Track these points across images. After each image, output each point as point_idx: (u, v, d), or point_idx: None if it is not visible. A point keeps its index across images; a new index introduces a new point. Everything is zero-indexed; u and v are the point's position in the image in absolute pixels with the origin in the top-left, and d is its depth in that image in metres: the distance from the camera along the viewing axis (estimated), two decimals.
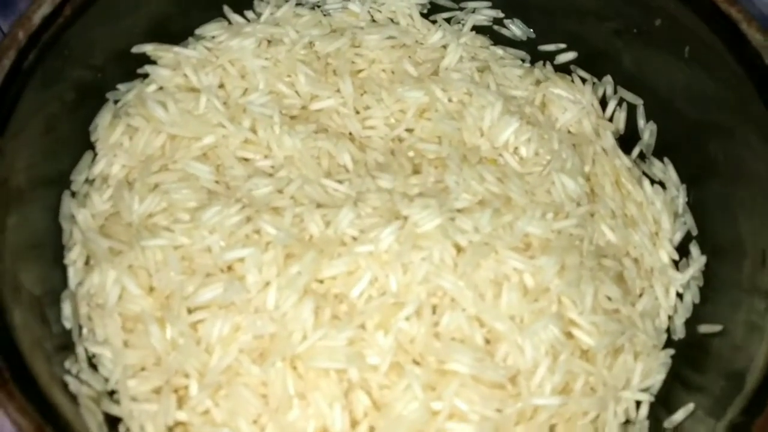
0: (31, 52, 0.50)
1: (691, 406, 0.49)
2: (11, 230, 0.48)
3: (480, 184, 0.56)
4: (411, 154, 0.60)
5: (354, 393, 0.50)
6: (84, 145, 0.57)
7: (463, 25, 0.66)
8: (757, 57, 0.49)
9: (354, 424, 0.49)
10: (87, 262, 0.54)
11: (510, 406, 0.50)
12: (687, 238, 0.57)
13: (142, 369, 0.51)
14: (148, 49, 0.59)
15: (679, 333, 0.55)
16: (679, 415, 0.49)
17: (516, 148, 0.59)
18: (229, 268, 0.53)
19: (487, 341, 0.52)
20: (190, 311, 0.51)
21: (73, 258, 0.54)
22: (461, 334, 0.51)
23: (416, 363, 0.51)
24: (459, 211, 0.54)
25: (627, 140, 0.62)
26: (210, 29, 0.62)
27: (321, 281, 0.53)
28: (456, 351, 0.50)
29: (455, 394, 0.49)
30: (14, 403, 0.37)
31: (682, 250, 0.57)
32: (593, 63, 0.63)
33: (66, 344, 0.51)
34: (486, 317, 0.51)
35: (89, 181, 0.57)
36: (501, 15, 0.65)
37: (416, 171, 0.58)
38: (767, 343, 0.45)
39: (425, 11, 0.66)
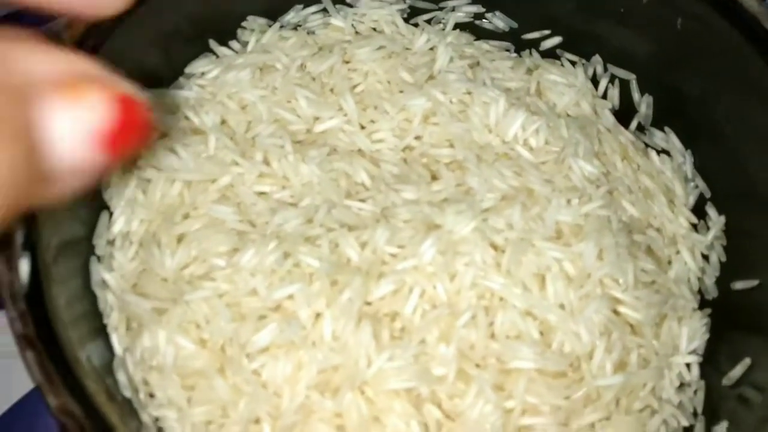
0: None
1: (748, 361, 0.52)
2: (59, 303, 0.47)
3: (502, 181, 0.57)
4: (425, 161, 0.60)
5: (425, 407, 0.51)
6: (99, 204, 0.55)
7: (445, 24, 0.66)
8: (755, 22, 0.51)
9: None
10: (128, 327, 0.53)
11: (576, 391, 0.51)
12: (701, 201, 0.60)
13: (209, 423, 0.51)
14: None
15: (712, 293, 0.58)
16: (737, 371, 0.52)
17: (526, 140, 0.60)
18: (278, 306, 0.52)
19: (541, 333, 0.53)
20: (249, 357, 0.51)
21: (114, 324, 0.53)
22: (516, 331, 0.52)
23: (479, 367, 0.52)
24: (487, 210, 0.55)
25: (623, 115, 0.64)
26: (199, 66, 0.61)
27: (369, 303, 0.53)
28: (516, 349, 0.51)
29: (525, 390, 0.50)
30: None
31: (700, 212, 0.60)
32: (579, 45, 0.64)
33: (130, 412, 0.49)
34: (537, 311, 0.52)
35: (110, 242, 0.55)
36: (482, 10, 0.66)
37: (434, 177, 0.59)
38: None
39: (405, 16, 0.66)
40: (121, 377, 0.50)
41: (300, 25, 0.65)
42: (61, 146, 0.24)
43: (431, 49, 0.64)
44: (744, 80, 0.54)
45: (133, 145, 0.26)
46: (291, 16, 0.65)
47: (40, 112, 0.23)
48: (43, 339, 0.41)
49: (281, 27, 0.64)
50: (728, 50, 0.54)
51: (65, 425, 0.38)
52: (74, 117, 0.24)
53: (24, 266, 0.44)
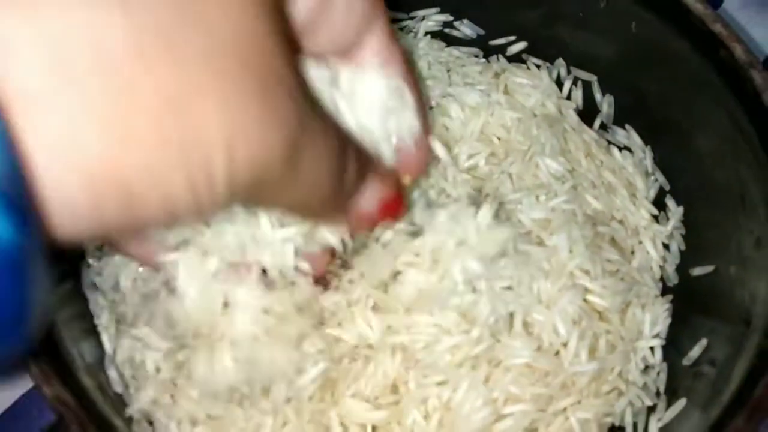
0: None
1: (704, 342, 0.55)
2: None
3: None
4: None
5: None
6: None
7: (416, 33, 0.69)
8: (702, 24, 0.55)
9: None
10: (117, 327, 0.55)
11: (554, 379, 0.54)
12: (661, 194, 0.63)
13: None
14: None
15: (673, 279, 0.61)
16: (695, 352, 0.55)
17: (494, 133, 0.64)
18: None
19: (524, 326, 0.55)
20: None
21: (104, 324, 0.55)
22: (507, 329, 0.55)
23: (474, 369, 0.54)
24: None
25: (586, 114, 0.67)
26: None
27: None
28: (509, 346, 0.54)
29: (510, 382, 0.53)
30: None
31: (660, 205, 0.63)
32: (543, 49, 0.68)
33: (121, 406, 0.52)
34: (526, 311, 0.55)
35: (99, 248, 0.58)
36: (450, 18, 0.69)
37: None
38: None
39: None
40: (111, 373, 0.53)
41: None
42: (363, 199, 0.39)
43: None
44: (695, 79, 0.57)
45: (393, 217, 0.43)
46: None
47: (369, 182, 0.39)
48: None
49: None
50: (678, 51, 0.57)
51: (62, 415, 0.40)
52: (377, 190, 0.40)
53: None
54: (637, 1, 0.58)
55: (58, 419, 0.42)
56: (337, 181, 0.35)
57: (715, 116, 0.57)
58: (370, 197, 0.39)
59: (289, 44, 0.31)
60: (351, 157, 0.36)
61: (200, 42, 0.26)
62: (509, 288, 0.55)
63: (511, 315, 0.54)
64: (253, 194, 0.30)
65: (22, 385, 0.62)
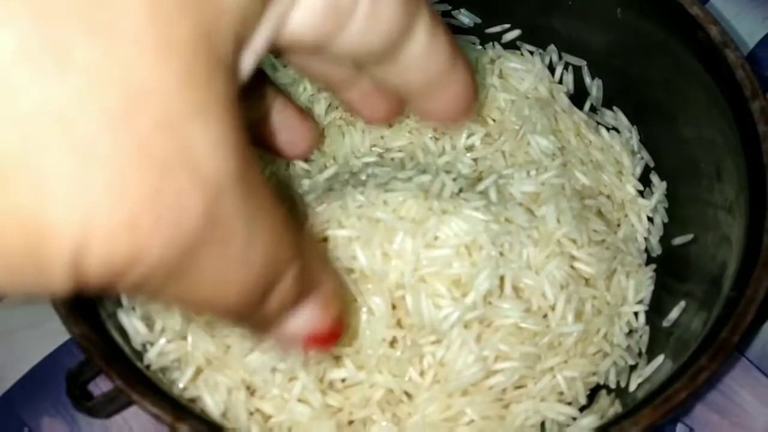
0: None
1: (683, 304, 0.58)
2: None
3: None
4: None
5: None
6: None
7: None
8: (679, 7, 0.59)
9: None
10: None
11: (542, 339, 0.58)
12: (647, 171, 0.67)
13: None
14: None
15: (657, 250, 0.65)
16: (674, 314, 0.59)
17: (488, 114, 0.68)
18: None
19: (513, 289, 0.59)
20: None
21: None
22: (498, 292, 0.58)
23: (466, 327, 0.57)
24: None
25: (577, 97, 0.71)
26: None
27: None
28: (499, 307, 0.57)
29: (500, 340, 0.57)
30: (149, 399, 0.43)
31: (645, 181, 0.67)
32: (536, 37, 0.72)
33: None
34: (515, 275, 0.58)
35: None
36: (448, 7, 0.73)
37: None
38: (736, 243, 0.54)
39: None
40: (129, 325, 0.56)
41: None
42: (293, 321, 0.33)
43: None
44: (676, 61, 0.61)
45: (322, 348, 0.35)
46: None
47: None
48: None
49: None
50: (660, 35, 0.61)
51: (89, 354, 0.44)
52: (313, 318, 0.33)
53: None
54: None
55: (84, 360, 0.46)
56: (257, 295, 0.28)
57: (694, 96, 0.61)
58: (302, 323, 0.33)
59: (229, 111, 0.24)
60: (289, 274, 0.29)
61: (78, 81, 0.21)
62: (501, 254, 0.58)
63: (501, 279, 0.58)
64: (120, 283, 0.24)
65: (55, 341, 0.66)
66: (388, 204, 0.58)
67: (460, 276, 0.57)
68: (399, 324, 0.58)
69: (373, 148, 0.69)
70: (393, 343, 0.58)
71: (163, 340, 0.55)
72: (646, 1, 0.61)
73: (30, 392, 0.64)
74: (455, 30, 0.74)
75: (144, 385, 0.45)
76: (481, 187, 0.62)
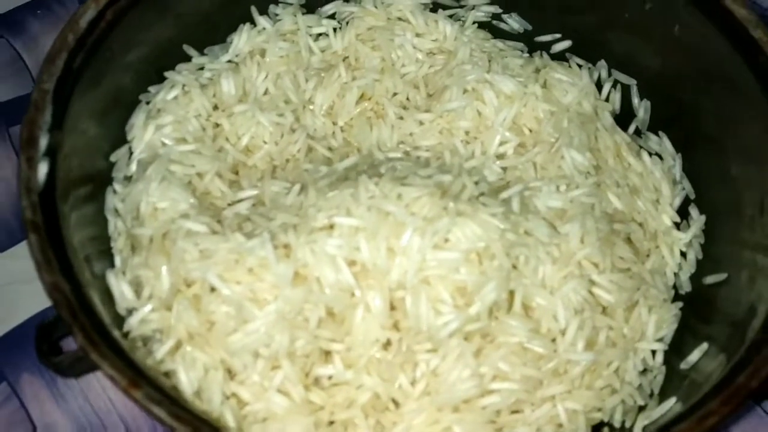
0: (79, 54, 0.53)
1: (705, 346, 0.54)
2: (71, 216, 0.51)
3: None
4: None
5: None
6: (120, 143, 0.61)
7: (464, 21, 0.71)
8: (743, 29, 0.54)
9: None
10: (132, 250, 0.57)
11: (547, 363, 0.54)
12: (686, 202, 0.63)
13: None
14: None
15: (686, 287, 0.60)
16: (694, 356, 0.54)
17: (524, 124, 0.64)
18: None
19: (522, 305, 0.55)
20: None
21: (119, 247, 0.57)
22: (506, 307, 0.55)
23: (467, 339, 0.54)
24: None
25: (623, 118, 0.67)
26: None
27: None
28: (506, 323, 0.54)
29: (501, 359, 0.53)
30: (107, 360, 0.41)
31: (683, 213, 0.62)
32: (587, 50, 0.68)
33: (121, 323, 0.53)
34: (527, 292, 0.55)
35: (127, 178, 0.60)
36: (499, 10, 0.70)
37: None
38: None
39: (428, 10, 0.71)
40: (117, 290, 0.54)
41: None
42: None
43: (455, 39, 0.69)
44: (732, 86, 0.57)
45: None
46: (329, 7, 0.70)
47: None
48: (48, 228, 0.45)
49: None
50: (719, 58, 0.57)
51: (56, 301, 0.42)
52: None
53: (43, 168, 0.49)
54: (680, 3, 0.58)
55: (58, 315, 0.44)
56: None
57: (746, 124, 0.57)
58: None
59: None
60: None
61: None
62: (514, 267, 0.55)
63: (512, 293, 0.55)
64: None
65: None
66: (401, 198, 0.55)
67: (467, 283, 0.53)
68: (396, 326, 0.54)
69: (400, 145, 0.66)
70: (387, 345, 0.54)
71: (148, 307, 0.53)
72: (706, 20, 0.57)
73: (14, 347, 0.62)
74: (504, 35, 0.71)
75: (107, 346, 0.42)
76: (504, 195, 0.58)
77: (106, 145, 0.59)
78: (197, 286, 0.53)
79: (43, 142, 0.49)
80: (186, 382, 0.51)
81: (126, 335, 0.51)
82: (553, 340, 0.55)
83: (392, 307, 0.54)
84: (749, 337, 0.46)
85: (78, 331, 0.41)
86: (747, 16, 0.54)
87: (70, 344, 0.54)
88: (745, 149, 0.58)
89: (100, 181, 0.59)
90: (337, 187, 0.56)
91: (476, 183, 0.58)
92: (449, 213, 0.54)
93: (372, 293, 0.53)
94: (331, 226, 0.54)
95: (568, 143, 0.62)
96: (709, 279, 0.58)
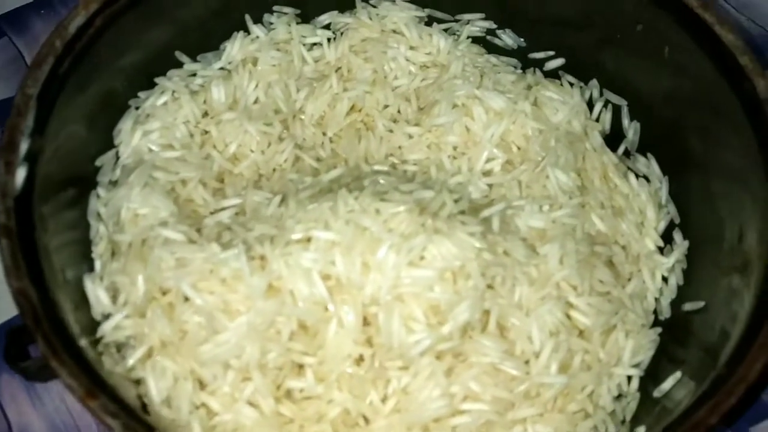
0: (66, 59, 0.54)
1: (678, 374, 0.53)
2: (49, 218, 0.52)
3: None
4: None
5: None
6: (107, 147, 0.61)
7: (459, 35, 0.70)
8: (730, 55, 0.54)
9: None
10: (112, 255, 0.58)
11: (519, 385, 0.53)
12: (671, 226, 0.62)
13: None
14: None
15: (666, 313, 0.59)
16: (667, 384, 0.53)
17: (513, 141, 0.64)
18: None
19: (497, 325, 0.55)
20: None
21: (100, 252, 0.58)
22: (480, 326, 0.54)
23: (438, 359, 0.53)
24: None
25: (613, 138, 0.67)
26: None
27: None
28: (479, 343, 0.53)
29: (472, 378, 0.53)
30: (66, 369, 0.41)
31: (667, 237, 0.62)
32: (580, 68, 0.68)
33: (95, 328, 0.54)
34: (503, 312, 0.54)
35: (112, 182, 0.61)
36: (494, 26, 0.70)
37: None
38: (744, 316, 0.49)
39: (423, 24, 0.71)
40: (93, 295, 0.54)
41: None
42: None
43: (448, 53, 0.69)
44: (719, 114, 0.57)
45: None
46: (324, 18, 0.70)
47: None
48: (20, 233, 0.46)
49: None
50: (707, 83, 0.57)
51: (21, 307, 0.43)
52: None
53: (21, 173, 0.49)
54: (671, 26, 0.58)
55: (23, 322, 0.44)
56: None
57: (731, 150, 0.56)
58: None
59: None
60: None
61: None
62: (490, 287, 0.54)
63: (487, 313, 0.54)
64: None
65: None
66: (380, 213, 0.55)
67: (440, 302, 0.53)
68: (369, 342, 0.54)
69: (389, 157, 0.66)
70: (359, 360, 0.54)
71: (122, 314, 0.53)
72: (695, 44, 0.56)
73: None
74: (497, 51, 0.70)
75: (69, 354, 0.42)
76: (485, 213, 0.58)
77: (93, 148, 0.60)
78: (172, 295, 0.53)
79: (24, 146, 0.50)
80: (154, 390, 0.51)
81: (97, 342, 0.52)
82: (527, 362, 0.54)
83: (366, 323, 0.54)
84: (718, 367, 0.46)
85: (40, 338, 0.42)
86: (734, 42, 0.54)
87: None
88: (728, 176, 0.57)
89: (86, 184, 0.59)
90: (317, 200, 0.56)
91: (456, 201, 0.57)
92: (426, 230, 0.54)
93: (345, 308, 0.53)
94: (309, 239, 0.54)
95: (554, 163, 0.62)
96: (688, 306, 0.57)
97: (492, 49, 0.71)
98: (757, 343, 0.42)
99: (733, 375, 0.41)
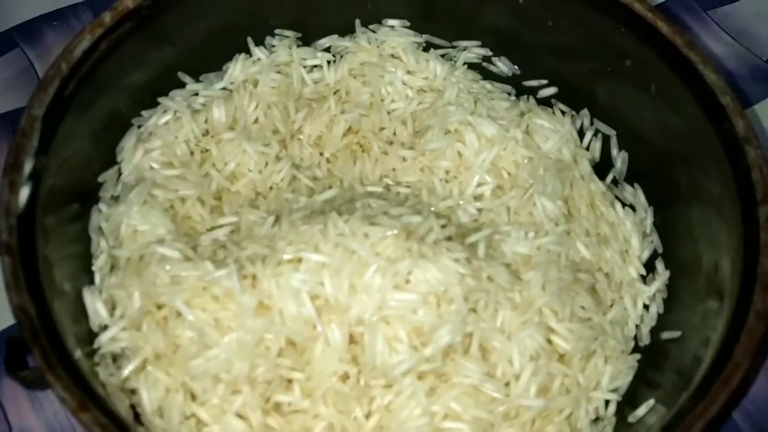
0: (72, 81, 0.56)
1: (651, 402, 0.55)
2: (51, 233, 0.54)
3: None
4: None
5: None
6: (110, 164, 0.64)
7: (455, 61, 0.72)
8: (712, 95, 0.56)
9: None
10: (111, 269, 0.60)
11: (499, 407, 0.55)
12: (654, 255, 0.64)
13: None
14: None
15: (645, 340, 0.61)
16: (641, 410, 0.55)
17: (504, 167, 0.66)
18: None
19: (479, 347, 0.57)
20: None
21: (100, 265, 0.60)
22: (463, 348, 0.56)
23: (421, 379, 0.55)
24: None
25: (602, 167, 0.68)
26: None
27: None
28: (462, 365, 0.55)
29: (453, 399, 0.55)
30: (60, 382, 0.43)
31: (650, 266, 0.63)
32: (572, 97, 0.70)
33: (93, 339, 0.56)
34: (485, 335, 0.56)
35: (114, 198, 0.63)
36: (489, 53, 0.72)
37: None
38: (714, 342, 0.50)
39: (421, 49, 0.73)
40: (92, 308, 0.57)
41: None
42: None
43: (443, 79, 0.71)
44: (701, 150, 0.58)
45: None
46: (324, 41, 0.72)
47: None
48: (21, 251, 0.48)
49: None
50: (690, 120, 0.59)
51: (20, 322, 0.45)
52: None
53: (25, 192, 0.51)
54: (657, 63, 0.60)
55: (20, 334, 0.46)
56: None
57: (711, 184, 0.58)
58: None
59: None
60: None
61: None
62: (473, 311, 0.56)
63: (470, 336, 0.56)
64: None
65: None
66: (368, 237, 0.57)
67: (423, 324, 0.55)
68: (355, 360, 0.56)
69: (384, 179, 0.68)
70: (345, 378, 0.56)
71: (119, 326, 0.55)
72: (680, 82, 0.58)
73: None
74: (493, 77, 0.72)
75: (65, 368, 0.45)
76: (472, 239, 0.60)
77: (96, 165, 0.62)
78: (166, 310, 0.55)
79: (28, 166, 0.52)
80: (147, 401, 0.53)
81: (94, 353, 0.54)
82: (507, 384, 0.56)
83: (352, 342, 0.56)
84: (683, 398, 0.47)
85: (37, 352, 0.44)
86: (716, 82, 0.55)
87: None
88: (708, 209, 0.59)
89: (88, 199, 0.61)
90: (309, 221, 0.58)
91: (443, 226, 0.59)
92: (412, 255, 0.56)
93: (332, 327, 0.55)
94: (299, 260, 0.56)
95: (541, 191, 0.63)
96: (665, 334, 0.59)
97: (487, 75, 0.73)
98: (721, 377, 0.43)
99: (695, 408, 0.43)
